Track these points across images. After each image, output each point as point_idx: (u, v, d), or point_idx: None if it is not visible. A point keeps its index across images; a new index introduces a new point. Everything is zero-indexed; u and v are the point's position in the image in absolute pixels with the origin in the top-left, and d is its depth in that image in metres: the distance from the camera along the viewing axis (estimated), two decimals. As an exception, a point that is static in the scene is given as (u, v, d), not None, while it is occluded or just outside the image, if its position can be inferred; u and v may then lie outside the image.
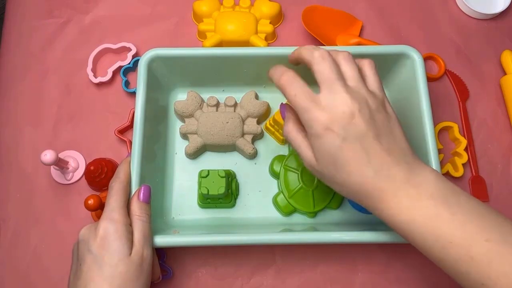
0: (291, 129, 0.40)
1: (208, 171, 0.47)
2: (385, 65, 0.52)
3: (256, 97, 0.53)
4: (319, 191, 0.49)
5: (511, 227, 0.33)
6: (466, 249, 0.32)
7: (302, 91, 0.37)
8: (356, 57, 0.50)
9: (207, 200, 0.49)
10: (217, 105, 0.52)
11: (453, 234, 0.33)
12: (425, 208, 0.34)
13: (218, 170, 0.47)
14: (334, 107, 0.36)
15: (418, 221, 0.34)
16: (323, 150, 0.36)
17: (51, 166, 0.52)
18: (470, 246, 0.32)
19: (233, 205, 0.50)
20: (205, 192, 0.46)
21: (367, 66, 0.40)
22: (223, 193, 0.46)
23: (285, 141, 0.53)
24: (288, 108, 0.42)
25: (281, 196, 0.49)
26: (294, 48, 0.50)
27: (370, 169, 0.35)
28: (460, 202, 0.34)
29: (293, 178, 0.49)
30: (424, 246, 0.35)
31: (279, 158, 0.51)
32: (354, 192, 0.37)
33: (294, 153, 0.50)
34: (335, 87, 0.36)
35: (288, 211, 0.49)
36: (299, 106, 0.37)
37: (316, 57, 0.38)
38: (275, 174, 0.51)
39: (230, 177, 0.49)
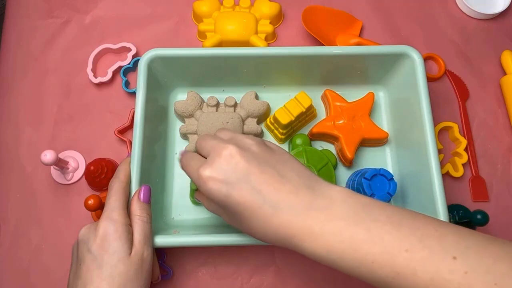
0: (208, 205, 0.40)
1: None
2: (385, 65, 0.52)
3: (256, 97, 0.53)
4: (325, 171, 0.49)
5: (430, 226, 0.32)
6: (390, 265, 0.31)
7: (191, 160, 0.38)
8: (356, 57, 0.51)
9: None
10: (217, 105, 0.52)
11: (373, 253, 0.31)
12: (338, 231, 0.32)
13: None
14: (215, 158, 0.35)
15: (336, 247, 0.32)
16: (220, 204, 0.35)
17: (51, 166, 0.52)
18: (393, 261, 0.31)
19: None
20: (194, 187, 0.47)
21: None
22: None
23: (285, 140, 0.53)
24: (197, 192, 0.44)
25: None
26: (294, 48, 0.50)
27: (267, 208, 0.33)
28: (373, 214, 0.32)
29: (299, 156, 0.49)
30: (352, 272, 0.32)
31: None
32: (268, 238, 0.34)
33: (294, 153, 0.50)
34: (214, 145, 0.36)
35: None
36: (189, 174, 0.37)
37: (196, 141, 0.39)
38: None
39: None
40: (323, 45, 0.57)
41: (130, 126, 0.54)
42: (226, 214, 0.37)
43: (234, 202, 0.34)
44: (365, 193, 0.46)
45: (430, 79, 0.58)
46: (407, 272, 0.30)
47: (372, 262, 0.31)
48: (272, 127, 0.53)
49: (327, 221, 0.33)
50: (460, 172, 0.53)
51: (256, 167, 0.34)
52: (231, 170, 0.34)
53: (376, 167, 0.47)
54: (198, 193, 0.43)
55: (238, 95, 0.53)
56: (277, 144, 0.53)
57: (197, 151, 0.39)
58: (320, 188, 0.34)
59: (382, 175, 0.46)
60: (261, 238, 0.35)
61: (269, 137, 0.54)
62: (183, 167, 0.39)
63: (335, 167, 0.52)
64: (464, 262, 0.29)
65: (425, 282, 0.30)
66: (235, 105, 0.52)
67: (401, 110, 0.53)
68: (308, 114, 0.53)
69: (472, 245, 0.30)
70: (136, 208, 0.42)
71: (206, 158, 0.36)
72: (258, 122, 0.53)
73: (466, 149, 0.54)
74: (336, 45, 0.59)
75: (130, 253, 0.39)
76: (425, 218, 0.33)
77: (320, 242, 0.32)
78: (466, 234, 0.31)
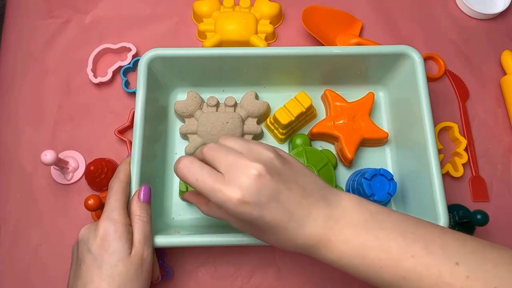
0: (210, 210, 0.40)
1: None
2: (385, 65, 0.52)
3: (256, 97, 0.53)
4: (325, 171, 0.49)
5: (434, 233, 0.34)
6: (396, 270, 0.33)
7: (202, 173, 0.35)
8: (356, 57, 0.50)
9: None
10: (217, 105, 0.52)
11: (381, 258, 0.33)
12: (349, 239, 0.34)
13: None
14: (239, 176, 0.33)
15: (347, 254, 0.34)
16: (247, 222, 0.35)
17: (51, 166, 0.52)
18: (399, 267, 0.33)
19: None
20: (183, 189, 0.47)
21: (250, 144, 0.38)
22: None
23: (285, 140, 0.53)
24: (190, 195, 0.43)
25: None
26: (294, 48, 0.50)
27: (293, 223, 0.34)
28: (381, 222, 0.35)
29: (299, 156, 0.49)
30: (362, 276, 0.35)
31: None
32: (288, 248, 0.36)
33: (294, 153, 0.50)
34: (232, 160, 0.34)
35: None
36: (205, 190, 0.34)
37: (204, 152, 0.37)
38: None
39: None
40: (323, 45, 0.57)
41: (130, 126, 0.54)
42: (241, 223, 0.37)
43: (263, 222, 0.34)
44: (365, 193, 0.46)
45: (430, 79, 0.58)
46: (413, 276, 0.32)
47: (381, 267, 0.33)
48: (272, 127, 0.53)
49: (341, 229, 0.35)
50: (460, 172, 0.53)
51: (283, 185, 0.34)
52: (261, 191, 0.33)
53: (376, 167, 0.47)
54: (189, 196, 0.43)
55: (238, 95, 0.53)
56: (277, 144, 0.53)
57: (205, 161, 0.36)
58: (333, 198, 0.36)
59: (382, 175, 0.46)
60: (282, 248, 0.37)
61: (269, 137, 0.54)
62: (190, 183, 0.36)
63: (335, 167, 0.52)
64: (466, 267, 0.31)
65: (430, 286, 0.32)
66: (235, 105, 0.52)
67: (401, 110, 0.53)
68: (308, 114, 0.53)
69: (473, 250, 0.33)
70: (136, 208, 0.42)
71: (220, 173, 0.35)
72: (258, 122, 0.53)
73: (466, 149, 0.54)
74: (336, 45, 0.59)
75: (130, 253, 0.39)
76: (428, 225, 0.35)
77: (334, 249, 0.35)
78: (467, 240, 0.34)
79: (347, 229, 0.34)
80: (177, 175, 0.37)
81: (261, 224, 0.34)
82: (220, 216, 0.39)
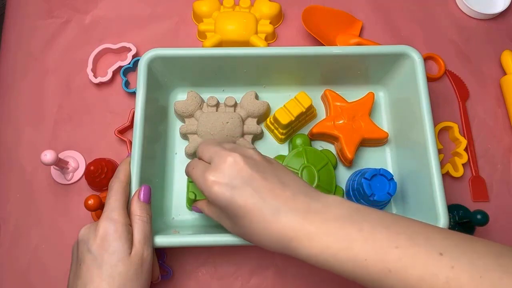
0: (208, 210, 0.42)
1: None
2: (385, 65, 0.52)
3: (256, 97, 0.53)
4: (324, 172, 0.49)
5: (417, 226, 0.34)
6: (381, 262, 0.32)
7: (196, 164, 0.39)
8: (356, 57, 0.50)
9: None
10: (217, 105, 0.52)
11: (366, 250, 0.33)
12: (334, 231, 0.34)
13: None
14: (220, 163, 0.37)
15: (330, 247, 0.33)
16: (222, 207, 0.37)
17: (51, 166, 0.52)
18: (384, 258, 0.32)
19: None
20: (192, 197, 0.46)
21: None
22: None
23: (285, 140, 0.53)
24: (197, 203, 0.45)
25: None
26: (294, 48, 0.50)
27: (268, 211, 0.35)
28: (365, 216, 0.34)
29: (298, 157, 0.49)
30: (345, 271, 0.34)
31: (279, 158, 0.51)
32: (267, 241, 0.36)
33: (294, 153, 0.50)
34: (217, 151, 0.38)
35: None
36: (194, 177, 0.39)
37: (198, 148, 0.41)
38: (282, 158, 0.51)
39: None
40: (323, 45, 0.57)
41: (130, 126, 0.54)
42: (228, 220, 0.38)
43: (236, 205, 0.36)
44: (365, 193, 0.46)
45: (430, 79, 0.58)
46: (398, 267, 0.32)
47: (365, 260, 0.33)
48: (272, 127, 0.53)
49: (323, 222, 0.34)
50: (460, 172, 0.53)
51: (258, 173, 0.36)
52: (235, 175, 0.36)
53: (376, 167, 0.47)
54: (197, 202, 0.45)
55: (238, 95, 0.53)
56: (277, 144, 0.53)
57: (198, 157, 0.41)
58: (314, 194, 0.36)
59: (382, 175, 0.46)
60: (261, 242, 0.37)
61: (269, 137, 0.54)
62: (188, 173, 0.41)
63: (335, 167, 0.52)
64: (451, 257, 0.31)
65: (416, 277, 0.31)
66: (235, 105, 0.52)
67: (401, 110, 0.53)
68: (308, 114, 0.53)
69: (458, 243, 0.32)
70: (136, 208, 0.42)
71: (209, 164, 0.38)
72: (258, 122, 0.53)
73: (466, 149, 0.54)
74: (336, 45, 0.59)
75: (130, 253, 0.39)
76: (414, 221, 0.35)
77: (315, 242, 0.34)
78: (452, 233, 0.33)
79: (330, 222, 0.34)
80: (186, 172, 0.42)
81: (235, 208, 0.36)
82: (214, 214, 0.41)
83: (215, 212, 0.41)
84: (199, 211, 0.45)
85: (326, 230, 0.34)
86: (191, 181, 0.47)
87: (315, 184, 0.49)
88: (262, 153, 0.40)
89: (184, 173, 0.50)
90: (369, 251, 0.33)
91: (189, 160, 0.52)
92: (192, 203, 0.49)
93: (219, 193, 0.36)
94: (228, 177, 0.36)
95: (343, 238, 0.33)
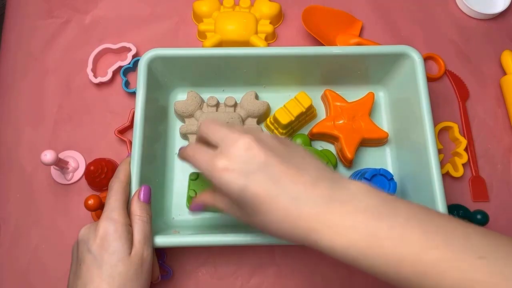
0: (213, 199, 0.38)
1: (198, 174, 0.47)
2: (385, 65, 0.52)
3: (256, 97, 0.53)
4: None
5: (453, 224, 0.31)
6: (416, 264, 0.29)
7: (197, 149, 0.36)
8: (356, 57, 0.50)
9: None
10: (217, 105, 0.52)
11: (397, 250, 0.30)
12: (361, 225, 0.31)
13: None
14: (230, 147, 0.33)
15: (358, 243, 0.31)
16: (234, 197, 0.33)
17: (51, 166, 0.52)
18: (419, 260, 0.29)
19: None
20: (192, 195, 0.46)
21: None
22: None
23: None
24: (197, 197, 0.41)
25: None
26: (294, 48, 0.50)
27: (285, 198, 0.32)
28: (396, 210, 0.31)
29: None
30: (374, 269, 0.31)
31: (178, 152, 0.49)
32: (285, 232, 0.33)
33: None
34: (227, 134, 0.34)
35: None
36: (198, 164, 0.35)
37: (200, 127, 0.37)
38: None
39: None
40: (323, 45, 0.57)
41: (130, 126, 0.54)
42: (240, 210, 0.35)
43: (251, 194, 0.32)
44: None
45: (430, 79, 0.58)
46: (433, 271, 0.29)
47: (398, 261, 0.30)
48: (272, 127, 0.53)
49: (349, 214, 0.31)
50: (460, 172, 0.53)
51: (273, 158, 0.33)
52: (249, 161, 0.33)
53: (376, 167, 0.47)
54: (198, 197, 0.41)
55: (238, 95, 0.53)
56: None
57: (200, 137, 0.37)
58: (339, 182, 0.33)
59: (382, 175, 0.46)
60: (279, 233, 0.33)
61: (269, 137, 0.54)
62: (188, 159, 0.37)
63: (335, 167, 0.52)
64: (490, 262, 0.29)
65: (452, 281, 0.29)
66: (235, 105, 0.52)
67: (401, 110, 0.53)
68: (308, 114, 0.53)
69: (497, 245, 0.30)
70: (136, 208, 0.42)
71: (215, 148, 0.35)
72: (258, 122, 0.53)
73: (466, 149, 0.54)
74: (336, 45, 0.59)
75: (130, 253, 0.39)
76: (449, 217, 0.32)
77: (340, 236, 0.31)
78: (490, 234, 0.31)
79: (355, 214, 0.31)
80: (180, 158, 0.38)
81: (249, 197, 0.32)
82: (222, 204, 0.37)
83: (222, 201, 0.37)
84: (199, 208, 0.41)
85: (352, 223, 0.31)
86: (192, 179, 0.47)
87: None
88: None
89: (184, 173, 0.51)
90: (402, 251, 0.30)
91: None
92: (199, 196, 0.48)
93: (230, 181, 0.32)
94: (240, 163, 0.32)
95: (372, 234, 0.30)
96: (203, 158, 0.35)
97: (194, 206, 0.41)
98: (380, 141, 0.53)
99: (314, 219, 0.32)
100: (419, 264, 0.29)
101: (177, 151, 0.53)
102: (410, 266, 0.30)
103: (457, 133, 0.55)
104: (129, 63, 0.57)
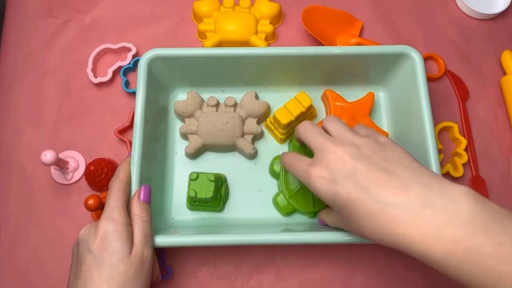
0: (327, 218, 0.44)
1: (198, 174, 0.47)
2: (385, 65, 0.52)
3: (256, 97, 0.53)
4: None
5: None
6: None
7: (295, 159, 0.40)
8: (356, 57, 0.50)
9: (195, 203, 0.49)
10: (217, 105, 0.52)
11: (503, 270, 0.28)
12: (461, 239, 0.29)
13: (208, 173, 0.47)
14: (323, 158, 0.37)
15: (456, 256, 0.29)
16: (328, 202, 0.37)
17: (51, 166, 0.52)
18: None
19: (221, 209, 0.50)
20: (193, 195, 0.46)
21: (355, 126, 0.42)
22: (210, 197, 0.46)
23: (285, 140, 0.53)
24: (320, 215, 0.46)
25: (281, 196, 0.49)
26: (294, 48, 0.50)
27: (373, 203, 0.33)
28: (504, 227, 0.30)
29: (293, 178, 0.49)
30: (469, 283, 0.30)
31: (278, 158, 0.51)
32: (378, 236, 0.33)
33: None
34: (322, 144, 0.37)
35: (288, 211, 0.49)
36: (296, 172, 0.39)
37: (298, 128, 0.41)
38: (275, 174, 0.51)
39: (220, 181, 0.49)
40: (323, 45, 0.57)
41: (130, 126, 0.54)
42: (340, 217, 0.38)
43: (341, 200, 0.35)
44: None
45: (430, 79, 0.58)
46: None
47: (500, 279, 0.29)
48: (272, 127, 0.53)
49: (446, 224, 0.30)
50: (460, 172, 0.53)
51: (363, 165, 0.35)
52: (339, 169, 0.35)
53: (376, 167, 0.47)
54: (320, 214, 0.47)
55: (238, 95, 0.53)
56: (277, 144, 0.53)
57: (298, 139, 0.42)
58: (438, 186, 0.32)
59: (382, 175, 0.46)
60: (373, 238, 0.34)
61: (269, 137, 0.54)
62: (287, 167, 0.41)
63: (335, 167, 0.52)
64: None
65: None
66: (235, 105, 0.52)
67: (401, 110, 0.53)
68: (308, 114, 0.53)
69: None
70: (136, 208, 0.42)
71: (309, 156, 0.39)
72: (258, 122, 0.53)
73: (466, 149, 0.54)
74: (336, 45, 0.59)
75: (130, 253, 0.39)
76: None
77: (436, 246, 0.30)
78: None
79: (456, 226, 0.30)
80: (284, 166, 0.42)
81: (341, 203, 0.35)
82: (331, 220, 0.43)
83: (332, 217, 0.42)
84: (324, 223, 0.45)
85: (450, 235, 0.30)
86: (192, 179, 0.47)
87: (309, 200, 0.48)
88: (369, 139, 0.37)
89: (184, 173, 0.51)
90: (507, 272, 0.28)
91: (189, 160, 0.52)
92: (192, 202, 0.49)
93: (323, 188, 0.36)
94: (331, 171, 0.35)
95: (474, 250, 0.29)
96: (300, 167, 0.38)
97: (321, 222, 0.46)
98: (380, 141, 0.53)
99: (404, 226, 0.31)
100: None
101: (177, 151, 0.53)
102: (510, 285, 0.28)
103: (457, 133, 0.55)
104: (129, 63, 0.57)
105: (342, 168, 0.35)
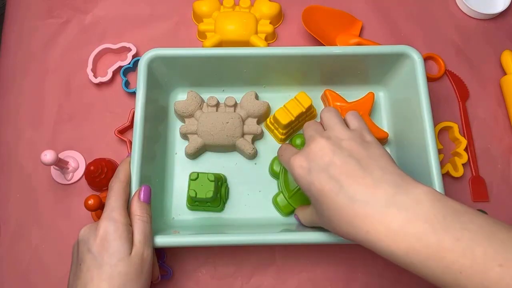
0: (301, 214, 0.45)
1: (198, 174, 0.47)
2: (385, 65, 0.52)
3: (256, 97, 0.53)
4: None
5: None
6: (479, 279, 0.29)
7: (284, 151, 0.42)
8: (356, 57, 0.50)
9: (195, 203, 0.49)
10: (217, 105, 0.52)
11: (462, 263, 0.29)
12: (423, 235, 0.31)
13: (208, 173, 0.47)
14: (306, 147, 0.38)
15: (418, 251, 0.31)
16: (304, 190, 0.38)
17: (51, 166, 0.52)
18: (483, 275, 0.29)
19: (221, 209, 0.50)
20: (193, 194, 0.46)
21: (348, 116, 0.42)
22: (210, 197, 0.46)
23: (285, 140, 0.53)
24: (296, 212, 0.47)
25: (281, 196, 0.49)
26: (294, 48, 0.50)
27: (343, 197, 0.34)
28: (463, 223, 0.31)
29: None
30: (433, 278, 0.31)
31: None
32: (344, 230, 0.35)
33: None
34: (311, 136, 0.39)
35: (288, 211, 0.49)
36: (283, 162, 0.41)
37: (304, 127, 0.42)
38: (275, 174, 0.51)
39: (220, 181, 0.49)
40: (323, 45, 0.57)
41: (130, 126, 0.54)
42: (315, 210, 0.39)
43: (315, 190, 0.36)
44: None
45: (430, 79, 0.58)
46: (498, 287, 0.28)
47: (460, 272, 0.30)
48: (272, 127, 0.53)
49: (409, 221, 0.31)
50: (460, 172, 0.53)
51: (339, 158, 0.36)
52: (317, 160, 0.36)
53: (376, 167, 0.47)
54: (296, 210, 0.47)
55: (238, 95, 0.53)
56: (278, 144, 0.53)
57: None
58: (405, 186, 0.33)
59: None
60: (339, 231, 0.36)
61: (269, 137, 0.54)
62: (278, 158, 0.44)
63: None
64: None
65: None
66: (235, 105, 0.52)
67: (401, 110, 0.53)
68: (308, 114, 0.53)
69: None
70: (136, 208, 0.42)
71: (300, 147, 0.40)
72: (258, 122, 0.53)
73: (466, 149, 0.54)
74: (336, 45, 0.59)
75: (130, 253, 0.39)
76: None
77: (399, 242, 0.31)
78: None
79: (419, 223, 0.31)
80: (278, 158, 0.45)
81: (314, 193, 0.36)
82: (306, 215, 0.43)
83: (306, 214, 0.43)
84: (299, 220, 0.46)
85: (412, 231, 0.31)
86: (192, 179, 0.47)
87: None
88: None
89: (184, 173, 0.51)
90: (466, 264, 0.29)
91: (189, 160, 0.52)
92: (192, 202, 0.49)
93: (301, 176, 0.37)
94: (310, 161, 0.37)
95: (435, 245, 0.30)
96: (287, 156, 0.40)
97: (296, 218, 0.47)
98: (380, 141, 0.53)
99: (369, 221, 0.33)
100: (483, 278, 0.29)
101: (177, 151, 0.53)
102: (473, 280, 0.29)
103: (457, 133, 0.55)
104: (129, 63, 0.57)
105: (319, 159, 0.36)
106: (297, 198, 0.48)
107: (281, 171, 0.50)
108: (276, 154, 0.51)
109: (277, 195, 0.50)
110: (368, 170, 0.35)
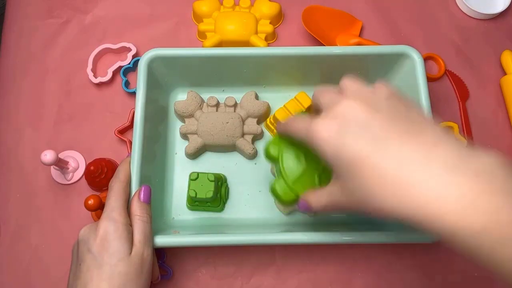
0: (314, 197, 0.37)
1: (198, 174, 0.47)
2: (385, 65, 0.52)
3: (256, 97, 0.53)
4: (327, 175, 0.40)
5: None
6: None
7: (299, 118, 0.35)
8: (356, 57, 0.50)
9: (195, 203, 0.49)
10: (217, 105, 0.52)
11: None
12: (499, 209, 0.24)
13: (208, 173, 0.47)
14: (331, 110, 0.31)
15: (491, 229, 0.24)
16: (332, 161, 0.30)
17: (51, 166, 0.52)
18: None
19: (221, 209, 0.50)
20: (193, 195, 0.46)
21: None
22: (210, 197, 0.46)
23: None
24: (305, 196, 0.39)
25: (280, 182, 0.41)
26: (294, 48, 0.50)
27: (390, 161, 0.27)
28: None
29: (296, 160, 0.41)
30: (501, 264, 0.24)
31: (275, 140, 0.43)
32: (390, 204, 0.27)
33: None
34: (333, 98, 0.32)
35: (288, 200, 0.41)
36: (298, 132, 0.34)
37: (314, 94, 0.36)
38: (272, 159, 0.43)
39: (220, 181, 0.49)
40: (323, 45, 0.57)
41: (130, 126, 0.54)
42: (341, 184, 0.32)
43: (348, 155, 0.29)
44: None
45: (430, 79, 0.58)
46: None
47: None
48: (272, 127, 0.53)
49: (481, 193, 0.25)
50: (460, 172, 0.53)
51: (379, 117, 0.29)
52: (350, 118, 0.29)
53: (376, 167, 0.47)
54: (304, 196, 0.38)
55: (238, 95, 0.53)
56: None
57: (315, 105, 0.35)
58: (467, 150, 0.27)
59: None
60: (381, 205, 0.28)
61: (269, 137, 0.54)
62: (287, 129, 0.36)
63: (335, 167, 0.51)
64: None
65: None
66: (235, 105, 0.52)
67: (401, 110, 0.53)
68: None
69: None
70: (136, 208, 0.42)
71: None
72: (258, 122, 0.53)
73: (466, 149, 0.54)
74: (336, 45, 0.59)
75: (130, 253, 0.39)
76: None
77: (471, 219, 0.24)
78: None
79: (494, 195, 0.24)
80: (279, 131, 0.39)
81: (346, 161, 0.29)
82: (324, 195, 0.35)
83: (323, 194, 0.35)
84: (306, 208, 0.38)
85: (485, 206, 0.24)
86: (192, 179, 0.47)
87: (322, 165, 0.42)
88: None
89: (184, 173, 0.51)
90: None
91: (189, 160, 0.52)
92: (192, 202, 0.49)
93: (325, 140, 0.29)
94: (339, 121, 0.29)
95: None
96: (301, 125, 0.33)
97: (302, 206, 0.39)
98: (380, 141, 0.53)
99: (424, 192, 0.26)
100: None
101: (177, 151, 0.53)
102: None
103: (457, 133, 0.55)
104: (129, 63, 0.57)
105: (354, 117, 0.29)
106: (301, 184, 0.41)
107: (280, 155, 0.42)
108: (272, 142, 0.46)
109: (275, 182, 0.42)
110: (418, 128, 0.28)
